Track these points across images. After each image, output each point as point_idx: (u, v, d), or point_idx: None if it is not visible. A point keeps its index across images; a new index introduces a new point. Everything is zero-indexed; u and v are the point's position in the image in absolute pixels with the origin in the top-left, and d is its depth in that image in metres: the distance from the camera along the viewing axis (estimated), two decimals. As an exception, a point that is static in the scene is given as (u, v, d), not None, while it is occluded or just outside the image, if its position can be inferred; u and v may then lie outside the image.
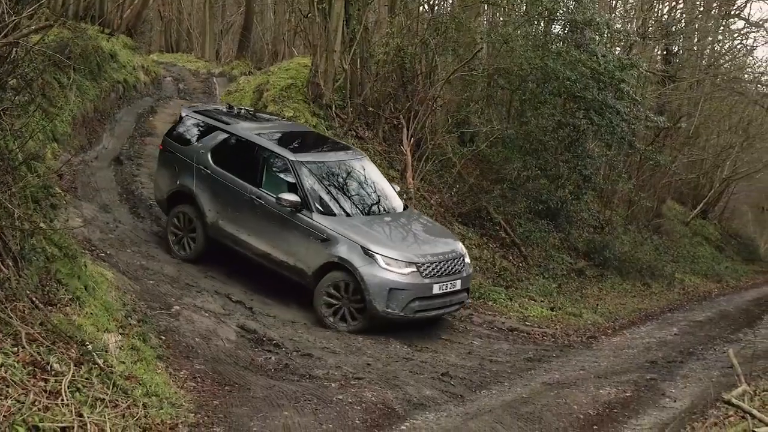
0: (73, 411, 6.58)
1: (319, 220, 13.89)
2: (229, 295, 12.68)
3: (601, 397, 10.73)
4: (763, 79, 46.79)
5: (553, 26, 23.52)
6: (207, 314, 11.26)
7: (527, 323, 16.25)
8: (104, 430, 6.57)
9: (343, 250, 13.59)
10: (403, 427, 8.56)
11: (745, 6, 58.61)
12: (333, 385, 9.66)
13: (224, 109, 16.43)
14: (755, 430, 6.04)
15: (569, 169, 21.98)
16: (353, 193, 14.96)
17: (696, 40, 40.90)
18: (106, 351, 8.14)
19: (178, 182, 14.88)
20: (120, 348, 8.47)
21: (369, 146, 19.73)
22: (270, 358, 10.35)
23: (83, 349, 7.67)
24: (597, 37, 22.04)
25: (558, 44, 22.17)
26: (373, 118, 21.02)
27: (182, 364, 9.17)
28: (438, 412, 9.32)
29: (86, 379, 7.21)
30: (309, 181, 14.29)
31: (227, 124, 15.14)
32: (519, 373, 12.02)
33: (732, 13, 41.52)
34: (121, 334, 8.87)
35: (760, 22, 50.17)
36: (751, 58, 49.54)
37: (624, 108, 21.44)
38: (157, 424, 7.28)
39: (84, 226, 13.49)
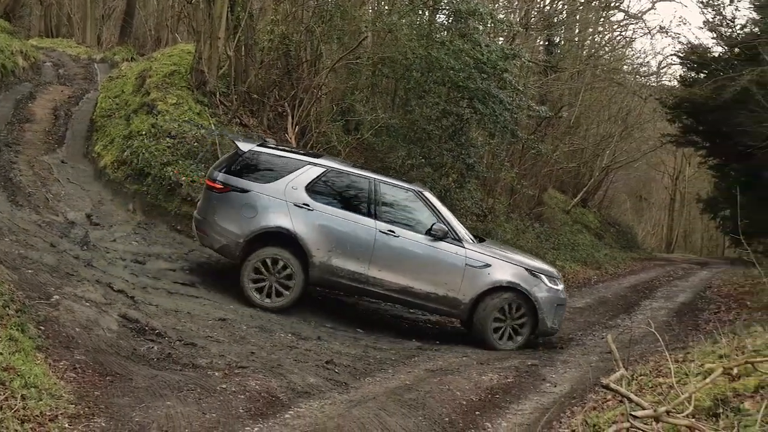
0: (-52, 404, 6.42)
1: (471, 247, 14.36)
2: (110, 285, 12.47)
3: (484, 383, 10.86)
4: (641, 70, 47.94)
5: (438, 16, 23.66)
6: (88, 304, 11.05)
7: (411, 311, 16.35)
8: (-20, 423, 6.44)
9: (509, 273, 14.35)
10: (287, 416, 8.54)
11: (625, -2, 59.85)
12: (217, 374, 9.59)
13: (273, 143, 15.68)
14: (632, 413, 6.18)
15: (453, 158, 22.15)
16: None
17: (577, 31, 41.66)
18: (-18, 342, 7.96)
19: (264, 223, 13.65)
20: (-3, 339, 8.29)
21: (254, 134, 19.61)
22: (152, 347, 10.23)
23: (-42, 340, 7.49)
24: (480, 27, 22.21)
25: (442, 34, 22.29)
26: (257, 106, 20.89)
27: (62, 354, 8.99)
28: (322, 399, 9.33)
29: (-39, 371, 7.05)
30: (443, 211, 14.62)
31: (315, 157, 14.60)
32: (403, 360, 12.10)
33: (612, 5, 42.33)
34: (-3, 324, 8.68)
35: (639, 14, 51.45)
36: (630, 49, 50.68)
37: (507, 97, 21.69)
38: (36, 415, 7.13)
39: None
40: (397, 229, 14.09)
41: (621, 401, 8.02)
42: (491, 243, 15.92)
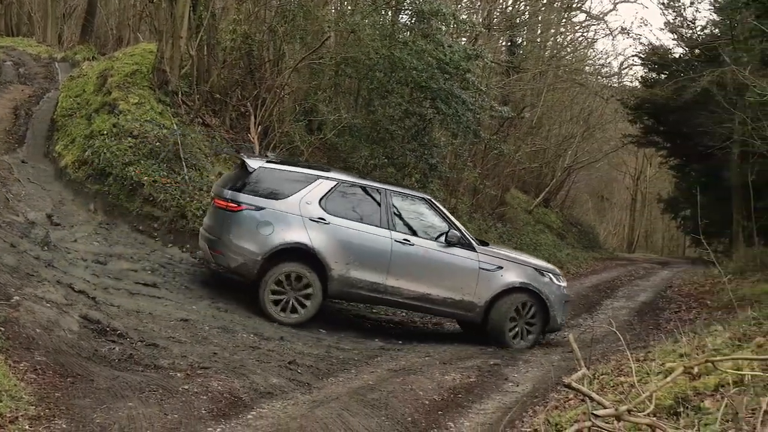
0: None
1: (482, 251, 14.90)
2: (71, 285, 12.38)
3: (446, 383, 10.88)
4: (603, 71, 48.33)
5: (401, 16, 23.67)
6: (49, 305, 10.96)
7: (374, 311, 16.38)
8: (-62, 425, 6.37)
9: (521, 274, 14.99)
10: (249, 416, 8.52)
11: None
12: (179, 375, 9.55)
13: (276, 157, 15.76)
14: (594, 412, 6.21)
15: (416, 158, 22.18)
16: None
17: (539, 32, 41.89)
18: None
19: (282, 240, 13.59)
20: (-44, 341, 8.22)
21: (216, 134, 19.55)
22: (114, 348, 10.16)
23: None
24: (443, 28, 22.25)
25: (405, 34, 22.31)
26: (220, 106, 20.81)
27: (22, 355, 8.92)
28: (285, 400, 9.31)
29: None
30: (452, 217, 15.18)
31: (326, 171, 14.75)
32: (366, 360, 12.10)
33: (574, 6, 42.64)
34: (-44, 326, 8.61)
35: (601, 16, 51.75)
36: (591, 50, 51.13)
37: (469, 98, 21.75)
38: (-4, 418, 7.09)
39: None
40: (412, 238, 14.38)
41: (583, 400, 8.06)
42: (495, 246, 16.50)
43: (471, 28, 26.09)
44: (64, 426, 7.44)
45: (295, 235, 13.65)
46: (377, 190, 14.59)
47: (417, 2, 21.74)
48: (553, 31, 43.76)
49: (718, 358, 8.01)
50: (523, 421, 9.07)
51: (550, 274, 15.38)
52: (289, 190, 13.88)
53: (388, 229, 14.26)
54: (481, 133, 24.76)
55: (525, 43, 40.24)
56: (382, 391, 10.04)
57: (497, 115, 26.71)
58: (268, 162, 14.31)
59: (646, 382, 8.46)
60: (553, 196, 45.73)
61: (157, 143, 17.27)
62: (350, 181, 14.60)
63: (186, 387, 9.04)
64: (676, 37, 40.84)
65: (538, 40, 41.79)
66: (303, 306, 13.67)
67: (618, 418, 6.26)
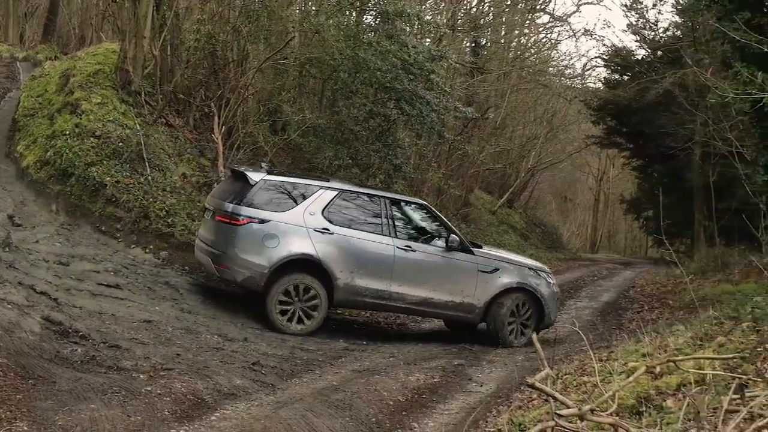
0: None
1: (481, 253, 15.38)
2: (33, 287, 12.28)
3: (411, 383, 10.90)
4: (566, 72, 48.55)
5: (365, 17, 23.66)
6: (10, 306, 10.88)
7: (338, 311, 16.36)
8: None
9: (517, 275, 15.46)
10: (213, 418, 8.49)
11: (550, 1, 60.46)
12: (141, 376, 9.50)
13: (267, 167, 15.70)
14: (557, 412, 6.23)
15: (380, 159, 22.18)
16: None
17: (503, 33, 42.02)
18: None
19: (288, 252, 13.64)
20: None
21: (180, 134, 19.46)
22: (76, 350, 10.09)
23: None
24: (408, 28, 22.29)
25: (369, 35, 22.29)
26: (183, 106, 20.72)
27: (-17, 358, 8.87)
28: (249, 401, 9.28)
29: None
30: (446, 221, 15.73)
31: (326, 181, 14.89)
32: (330, 361, 12.08)
33: (537, 7, 42.85)
34: None
35: (564, 17, 51.97)
36: (555, 51, 51.38)
37: (434, 98, 21.78)
38: (-44, 420, 7.03)
39: None
40: (413, 244, 14.66)
41: (546, 400, 8.09)
42: (488, 248, 16.89)
43: (435, 29, 26.16)
44: (26, 428, 7.39)
45: (300, 246, 13.74)
46: (377, 197, 14.81)
47: (381, 3, 21.74)
48: (516, 32, 43.94)
49: (680, 357, 8.08)
50: (486, 421, 9.09)
51: (543, 273, 15.90)
52: (292, 202, 14.02)
53: (390, 236, 14.50)
54: (446, 134, 24.79)
55: (489, 44, 40.36)
56: (347, 391, 10.04)
57: (461, 115, 26.77)
58: (268, 174, 14.36)
59: (608, 382, 8.50)
60: (516, 197, 45.94)
61: (120, 143, 17.18)
62: (351, 189, 14.81)
63: (149, 388, 8.99)
64: (638, 38, 41.21)
65: (502, 41, 41.92)
66: (310, 316, 13.75)
67: (581, 417, 6.29)
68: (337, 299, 14.13)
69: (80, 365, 9.58)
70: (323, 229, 13.90)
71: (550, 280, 15.99)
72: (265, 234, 13.59)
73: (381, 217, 14.57)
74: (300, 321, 13.70)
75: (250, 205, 13.64)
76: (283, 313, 13.62)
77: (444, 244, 14.85)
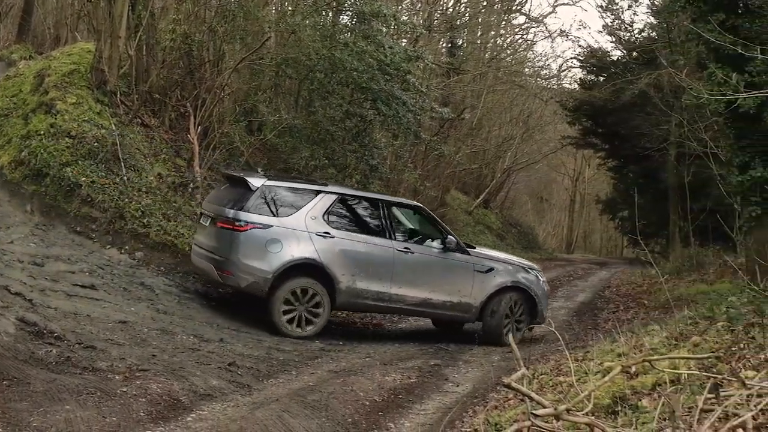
0: None
1: (475, 253, 15.89)
2: (7, 287, 12.21)
3: (387, 384, 10.91)
4: (542, 73, 48.65)
5: (341, 17, 23.65)
6: (-16, 307, 10.84)
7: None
8: None
9: (511, 274, 15.92)
10: (189, 419, 8.47)
11: (526, 2, 60.68)
12: (117, 377, 9.46)
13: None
14: (533, 412, 6.25)
15: (356, 159, 22.18)
16: None
17: (479, 33, 42.11)
18: None
19: (292, 256, 13.81)
20: None
21: (155, 134, 19.38)
22: (51, 351, 10.04)
23: None
24: (384, 29, 22.28)
25: (346, 35, 22.27)
26: (159, 106, 20.62)
27: (-43, 359, 8.82)
28: (225, 402, 9.26)
29: None
30: (442, 223, 16.14)
31: (324, 185, 14.98)
32: (306, 361, 12.08)
33: (513, 8, 42.94)
34: None
35: (540, 18, 52.21)
36: (531, 52, 51.44)
37: (410, 99, 21.78)
38: (-71, 422, 6.98)
39: None
40: (411, 246, 15.03)
41: (522, 400, 8.11)
42: (481, 248, 17.45)
43: (412, 29, 26.15)
44: (0, 430, 7.34)
45: (303, 250, 13.90)
46: (375, 200, 15.20)
47: (358, 3, 21.74)
48: (493, 33, 44.01)
49: (655, 357, 8.12)
50: (463, 421, 9.11)
51: (534, 271, 16.42)
52: (293, 206, 14.16)
53: (389, 238, 14.77)
54: (422, 135, 24.82)
55: (465, 44, 40.41)
56: (323, 392, 10.04)
57: (438, 116, 26.78)
58: (269, 179, 14.44)
59: (584, 382, 8.53)
60: (492, 197, 46.02)
61: (95, 143, 17.09)
62: (350, 193, 15.24)
63: (124, 389, 8.96)
64: (614, 39, 41.37)
65: (478, 41, 42.00)
66: (313, 319, 13.97)
67: (557, 417, 6.30)
68: (339, 302, 14.32)
69: (55, 366, 9.53)
70: (324, 233, 14.08)
71: (541, 278, 16.51)
72: (268, 239, 13.72)
73: (380, 220, 14.87)
74: (305, 324, 13.89)
75: (252, 211, 13.76)
76: (290, 320, 13.81)
77: (440, 246, 15.22)
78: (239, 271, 13.65)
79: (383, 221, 14.86)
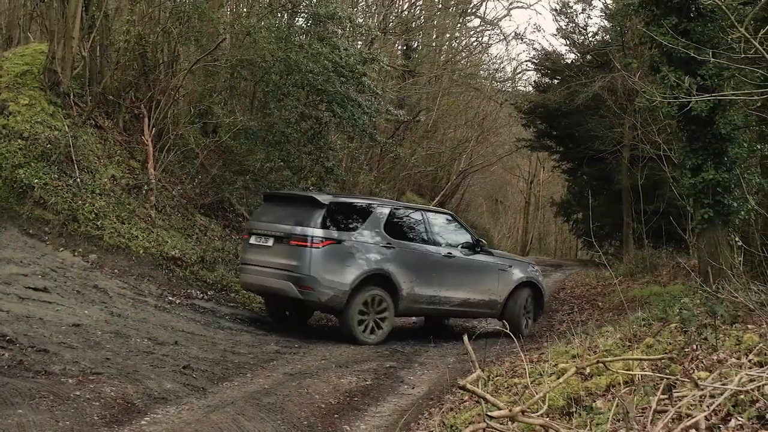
0: None
1: (498, 254, 17.79)
2: (-42, 291, 12.11)
3: (342, 386, 10.90)
4: (497, 75, 48.89)
5: (297, 19, 23.62)
6: (-66, 311, 10.72)
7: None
8: None
9: (525, 271, 17.65)
10: (143, 422, 8.41)
11: (481, 5, 60.89)
12: (70, 381, 9.38)
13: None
14: (489, 413, 6.27)
15: (312, 161, 22.17)
16: None
17: (435, 36, 42.11)
18: None
19: (366, 269, 14.68)
20: None
21: (109, 136, 19.25)
22: (3, 354, 9.94)
23: None
24: (339, 31, 22.29)
25: (301, 37, 22.25)
26: (113, 108, 20.46)
27: None
28: (179, 405, 9.21)
29: None
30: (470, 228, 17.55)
31: (379, 200, 16.57)
32: (261, 364, 12.03)
33: (468, 11, 43.08)
34: None
35: (495, 21, 52.42)
36: (486, 55, 51.63)
37: (365, 101, 21.81)
38: None
39: None
40: (452, 250, 16.25)
41: (477, 402, 8.14)
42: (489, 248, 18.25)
43: (367, 31, 26.18)
44: (-49, 435, 7.27)
45: (373, 262, 14.86)
46: (417, 210, 16.60)
47: (313, 5, 21.73)
48: (448, 35, 44.09)
49: (609, 358, 8.18)
50: (419, 423, 9.12)
51: (535, 267, 18.29)
52: (359, 221, 15.10)
53: (435, 245, 16.02)
54: (377, 137, 24.82)
55: (420, 47, 40.44)
56: (278, 395, 10.01)
57: (393, 118, 26.86)
58: (335, 196, 15.36)
59: (539, 383, 8.59)
60: (448, 200, 46.02)
61: (48, 145, 16.95)
62: (398, 205, 16.86)
63: (78, 393, 8.88)
64: (568, 43, 41.57)
65: (434, 44, 42.02)
66: (380, 326, 14.92)
67: (512, 419, 6.34)
68: (400, 308, 15.27)
69: (7, 370, 9.43)
70: (387, 244, 15.13)
71: (540, 273, 18.38)
72: (343, 254, 14.53)
73: (425, 229, 16.09)
74: (373, 331, 14.81)
75: (324, 227, 14.46)
76: (360, 325, 14.66)
77: (472, 249, 16.64)
78: (320, 287, 14.28)
79: (427, 229, 16.08)
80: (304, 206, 14.86)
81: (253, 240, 15.12)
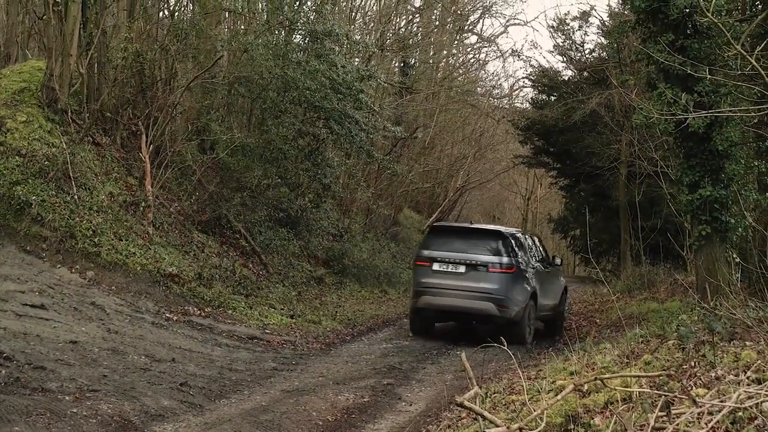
0: None
1: (557, 263, 20.74)
2: (-45, 308, 12.07)
3: (340, 403, 10.87)
4: (494, 92, 48.85)
5: (294, 36, 23.67)
6: (-68, 328, 10.68)
7: (267, 331, 16.31)
8: None
9: (562, 276, 21.52)
10: (140, 440, 8.41)
11: (478, 22, 60.93)
12: (67, 398, 9.36)
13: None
14: (486, 430, 6.27)
15: (309, 178, 22.19)
16: None
17: (432, 53, 42.19)
18: None
19: (532, 287, 17.93)
20: None
21: (107, 153, 19.25)
22: (0, 371, 9.93)
23: None
24: (337, 48, 22.35)
25: (298, 54, 22.31)
26: (110, 124, 20.47)
27: None
28: (177, 422, 9.19)
29: None
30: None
31: (515, 229, 20.62)
32: (259, 381, 12.02)
33: (466, 28, 43.13)
34: None
35: (492, 38, 52.41)
36: (483, 72, 51.67)
37: (363, 118, 21.87)
38: None
39: None
40: (546, 266, 19.54)
41: (475, 419, 8.12)
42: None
43: (364, 48, 26.25)
44: (-52, 453, 7.24)
45: (532, 281, 18.06)
46: (523, 235, 19.52)
47: (310, 22, 21.78)
48: (445, 52, 44.18)
49: (607, 375, 8.16)
50: (416, 441, 9.10)
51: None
52: (520, 249, 18.21)
53: (540, 262, 19.27)
54: (375, 153, 24.87)
55: (418, 64, 40.53)
56: (275, 412, 9.99)
57: (390, 135, 26.90)
58: (506, 229, 19.06)
59: (537, 400, 8.56)
60: (445, 216, 45.95)
61: (46, 162, 16.94)
62: (524, 232, 20.53)
63: (75, 410, 8.86)
64: (565, 59, 41.62)
65: (431, 61, 42.11)
66: (530, 331, 18.09)
67: (510, 436, 6.32)
68: (537, 317, 18.63)
69: (4, 387, 9.41)
70: (532, 266, 18.39)
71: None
72: (522, 277, 17.73)
73: (533, 249, 19.23)
74: (529, 333, 17.94)
75: (511, 256, 17.60)
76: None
77: (551, 263, 20.16)
78: (513, 305, 17.33)
79: (535, 250, 19.43)
80: (490, 238, 17.91)
81: (437, 267, 17.58)
